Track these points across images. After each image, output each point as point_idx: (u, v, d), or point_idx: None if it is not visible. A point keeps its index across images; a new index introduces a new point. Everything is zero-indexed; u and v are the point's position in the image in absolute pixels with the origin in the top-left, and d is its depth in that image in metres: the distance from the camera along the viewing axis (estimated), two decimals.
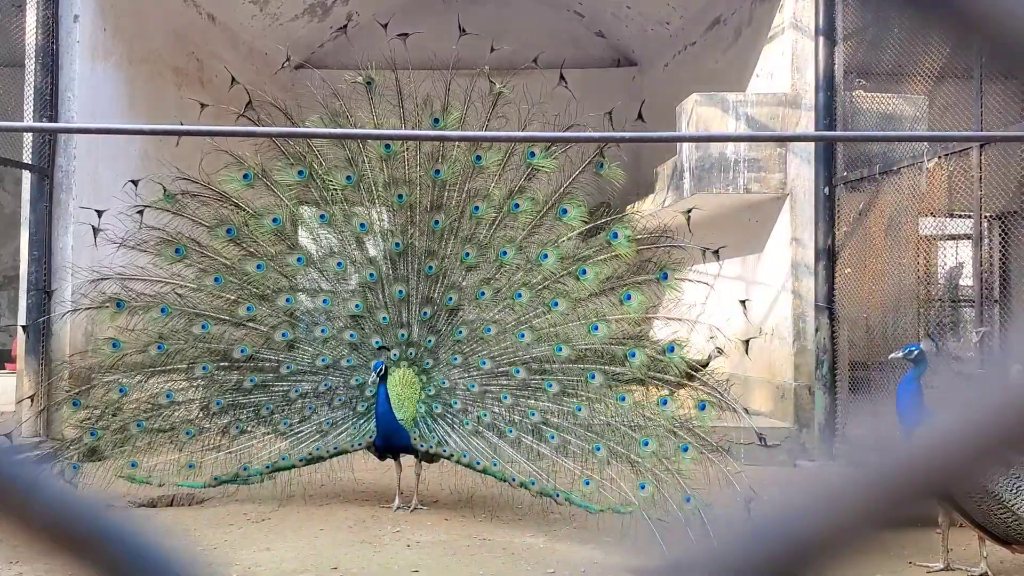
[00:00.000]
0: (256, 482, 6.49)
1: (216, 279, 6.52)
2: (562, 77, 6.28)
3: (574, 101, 6.17)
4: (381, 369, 6.08)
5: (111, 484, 6.25)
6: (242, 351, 6.49)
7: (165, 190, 6.58)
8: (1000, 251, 7.61)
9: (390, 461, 6.52)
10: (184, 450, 6.44)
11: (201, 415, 6.49)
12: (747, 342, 6.40)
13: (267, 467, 6.41)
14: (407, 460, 6.49)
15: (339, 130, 6.23)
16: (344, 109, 6.46)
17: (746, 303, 6.96)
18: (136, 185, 6.51)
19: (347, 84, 6.50)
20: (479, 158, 6.40)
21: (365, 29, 6.90)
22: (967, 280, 10.25)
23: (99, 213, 6.50)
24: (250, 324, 6.57)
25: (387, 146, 6.41)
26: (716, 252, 6.02)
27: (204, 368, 6.47)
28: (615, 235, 6.16)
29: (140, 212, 6.51)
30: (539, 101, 6.05)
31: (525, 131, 5.95)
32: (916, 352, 5.11)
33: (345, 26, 6.87)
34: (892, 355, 5.59)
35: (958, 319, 10.15)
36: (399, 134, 6.35)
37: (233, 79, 6.74)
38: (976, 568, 4.87)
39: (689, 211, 6.21)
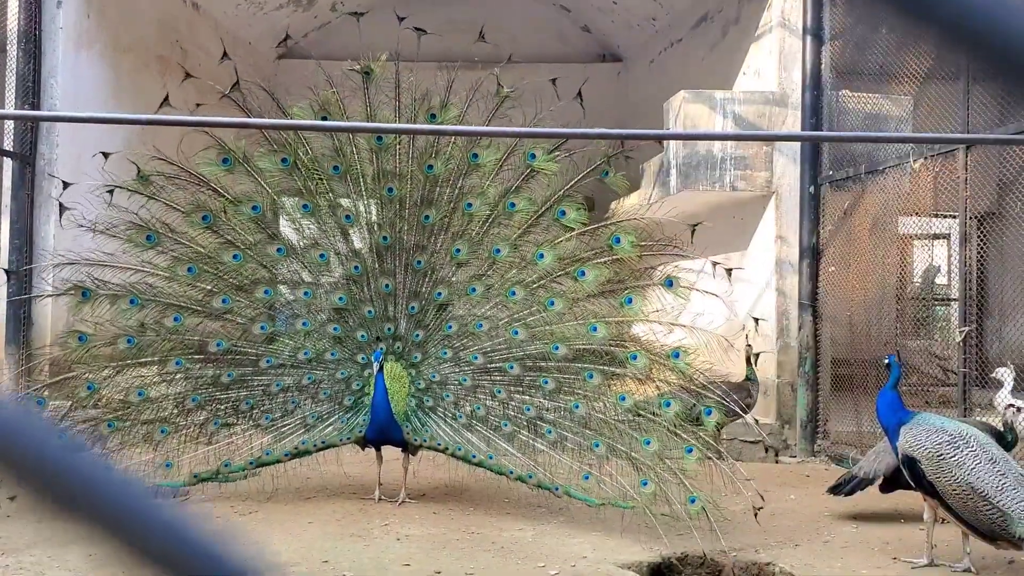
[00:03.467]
0: (238, 478, 6.37)
1: (190, 269, 6.26)
2: (553, 82, 6.26)
3: (563, 98, 6.21)
4: (382, 359, 6.06)
5: None
6: (218, 345, 6.29)
7: (139, 171, 6.27)
8: (979, 251, 7.71)
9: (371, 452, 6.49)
10: (160, 449, 6.19)
11: (176, 411, 6.27)
12: (757, 356, 6.47)
13: (250, 463, 6.26)
14: (389, 453, 6.45)
15: (333, 123, 6.18)
16: (337, 98, 6.34)
17: (759, 321, 7.08)
18: (106, 158, 6.13)
19: (344, 72, 6.38)
20: (476, 156, 6.32)
21: (350, 20, 6.86)
22: (943, 279, 10.39)
23: (65, 185, 6.22)
24: (226, 316, 6.36)
25: (379, 138, 6.33)
26: (729, 271, 6.10)
27: (177, 362, 6.26)
28: (617, 239, 6.10)
29: (110, 192, 6.18)
30: (547, 101, 6.02)
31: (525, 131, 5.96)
32: (888, 362, 5.34)
33: (360, 14, 6.74)
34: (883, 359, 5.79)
35: (940, 317, 10.26)
36: (387, 128, 6.31)
37: (225, 53, 6.59)
38: (959, 564, 4.94)
39: (695, 225, 6.23)
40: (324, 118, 6.24)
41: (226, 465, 6.24)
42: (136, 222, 6.19)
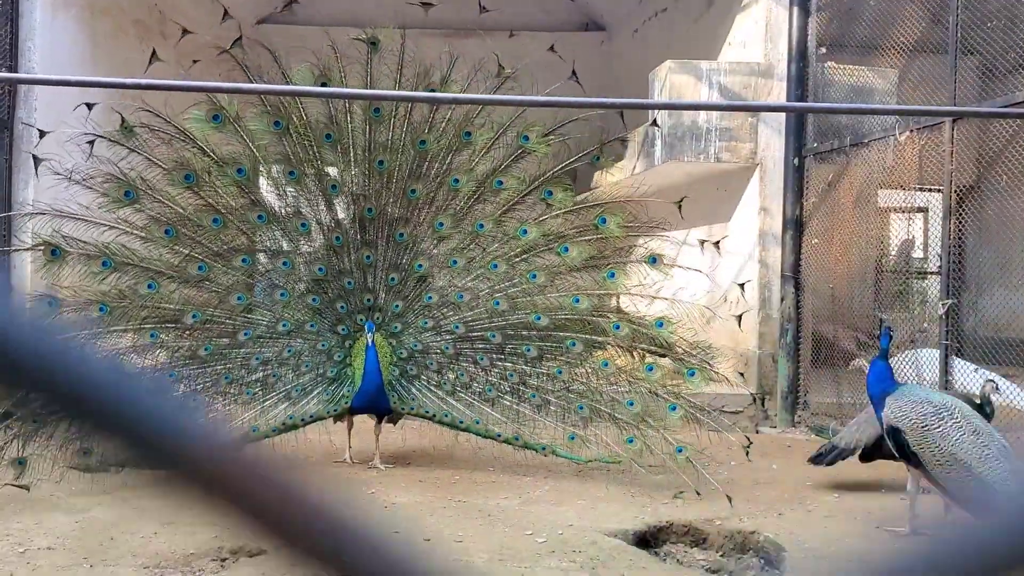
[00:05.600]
0: None
1: (167, 231, 6.06)
2: (574, 73, 6.30)
3: (558, 68, 6.20)
4: (375, 329, 6.08)
5: (64, 475, 5.49)
6: (194, 317, 6.09)
7: (124, 121, 6.00)
8: (958, 225, 7.77)
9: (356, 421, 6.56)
10: None
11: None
12: (740, 316, 6.59)
13: None
14: (359, 417, 6.54)
15: (326, 89, 6.10)
16: (339, 64, 6.26)
17: (744, 286, 7.20)
18: (90, 109, 5.79)
19: (349, 40, 6.30)
20: (468, 134, 6.31)
21: None
22: (919, 253, 10.46)
23: (41, 133, 5.95)
24: (203, 284, 6.17)
25: (376, 110, 6.28)
26: (717, 243, 6.20)
27: (152, 335, 6.07)
28: (603, 220, 6.20)
29: (91, 143, 5.90)
30: (539, 73, 6.00)
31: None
32: (879, 332, 5.43)
33: None
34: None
35: (916, 291, 10.35)
36: (387, 95, 6.24)
37: (226, 12, 6.44)
38: None
39: (681, 200, 6.30)
40: (324, 84, 6.16)
41: None
42: (115, 175, 5.95)
